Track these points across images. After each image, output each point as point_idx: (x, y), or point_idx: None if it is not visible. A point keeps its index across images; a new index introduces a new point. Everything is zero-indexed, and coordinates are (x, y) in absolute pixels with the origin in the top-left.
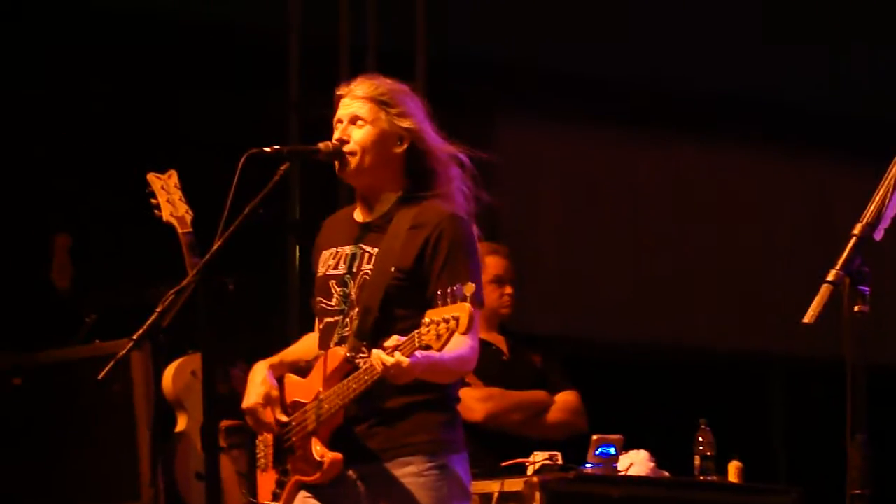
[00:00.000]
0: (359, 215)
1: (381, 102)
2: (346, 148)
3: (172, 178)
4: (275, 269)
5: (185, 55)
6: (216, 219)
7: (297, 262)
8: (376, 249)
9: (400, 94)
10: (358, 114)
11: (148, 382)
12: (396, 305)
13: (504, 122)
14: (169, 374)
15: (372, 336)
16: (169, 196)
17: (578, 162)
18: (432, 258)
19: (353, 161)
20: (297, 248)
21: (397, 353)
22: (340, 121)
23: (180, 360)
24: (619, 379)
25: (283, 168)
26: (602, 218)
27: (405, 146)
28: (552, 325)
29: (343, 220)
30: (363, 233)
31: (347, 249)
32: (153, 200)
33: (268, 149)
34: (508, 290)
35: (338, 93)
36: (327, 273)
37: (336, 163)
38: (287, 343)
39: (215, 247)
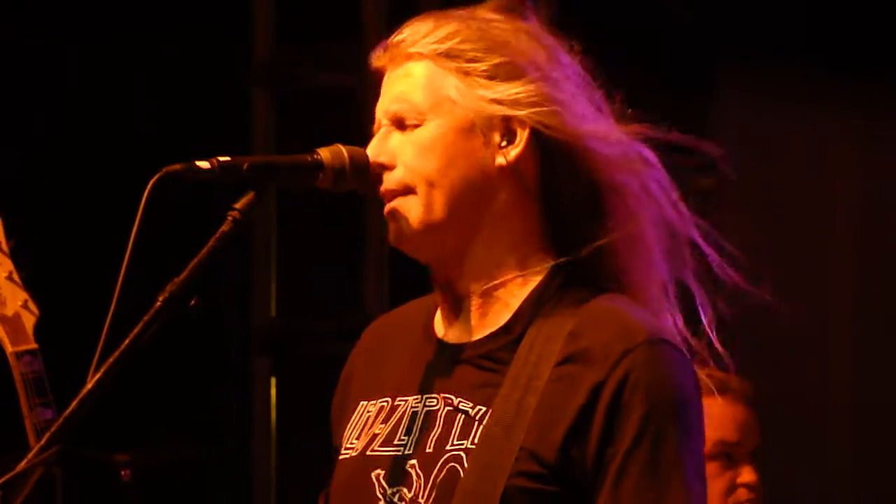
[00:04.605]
0: (441, 325)
1: (449, 56)
2: (391, 181)
3: None
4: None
5: None
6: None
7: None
8: (480, 407)
9: (501, 33)
10: (403, 104)
11: None
12: None
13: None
14: None
15: None
16: None
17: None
18: (606, 439)
19: (412, 209)
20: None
21: None
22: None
23: None
24: None
25: (237, 211)
26: None
27: (520, 147)
28: None
29: (409, 333)
30: (450, 365)
31: (413, 401)
32: None
33: (204, 163)
34: (748, 475)
35: (376, 63)
36: (365, 453)
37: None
38: None
39: (88, 387)
